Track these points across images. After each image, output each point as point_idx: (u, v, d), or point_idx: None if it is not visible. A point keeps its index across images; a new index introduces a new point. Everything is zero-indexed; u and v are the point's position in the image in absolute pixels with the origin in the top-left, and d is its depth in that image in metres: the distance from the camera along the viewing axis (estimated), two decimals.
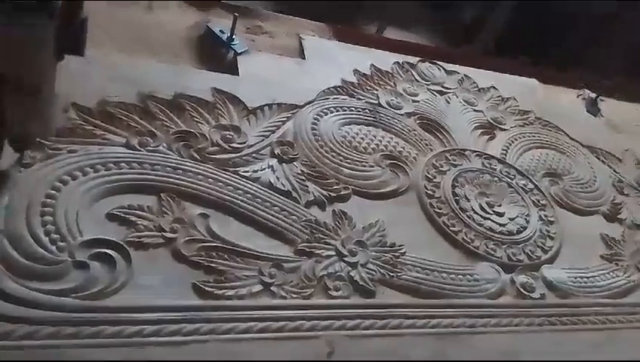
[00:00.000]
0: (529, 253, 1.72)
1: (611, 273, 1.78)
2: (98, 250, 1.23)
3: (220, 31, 1.98)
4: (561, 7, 2.99)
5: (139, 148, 1.47)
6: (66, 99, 1.45)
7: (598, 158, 2.29)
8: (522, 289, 1.59)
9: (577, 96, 2.67)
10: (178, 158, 1.49)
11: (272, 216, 1.47)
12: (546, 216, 1.88)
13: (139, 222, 1.31)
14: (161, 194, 1.38)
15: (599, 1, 2.97)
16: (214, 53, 1.96)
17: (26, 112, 1.13)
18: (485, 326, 1.46)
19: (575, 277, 1.70)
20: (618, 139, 2.48)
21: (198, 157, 1.52)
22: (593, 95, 2.65)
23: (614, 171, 2.26)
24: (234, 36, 1.96)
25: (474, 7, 3.48)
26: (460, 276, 1.56)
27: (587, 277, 1.73)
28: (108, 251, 1.23)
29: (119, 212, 1.31)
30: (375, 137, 1.87)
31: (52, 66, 1.11)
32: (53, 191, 1.29)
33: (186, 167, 1.47)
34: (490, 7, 3.34)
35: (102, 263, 1.21)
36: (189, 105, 1.64)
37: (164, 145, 1.51)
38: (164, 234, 1.31)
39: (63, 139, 1.39)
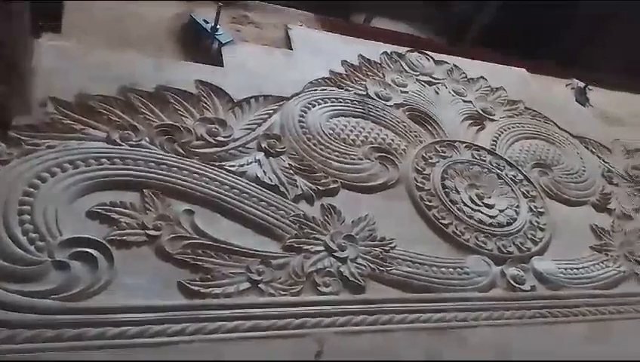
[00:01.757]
0: (519, 244, 1.71)
1: (601, 264, 1.78)
2: (79, 249, 1.19)
3: (204, 20, 1.93)
4: (554, 7, 2.96)
5: (120, 142, 1.43)
6: (44, 93, 1.40)
7: (588, 148, 2.29)
8: (513, 282, 1.58)
9: (566, 86, 2.66)
10: (162, 153, 1.45)
11: (260, 211, 1.43)
12: (535, 207, 1.87)
13: (121, 220, 1.27)
14: (144, 191, 1.34)
15: (595, 1, 2.95)
16: (198, 44, 1.91)
17: (4, 85, 1.09)
18: (477, 320, 1.45)
19: (565, 269, 1.70)
20: (608, 129, 2.49)
21: (182, 151, 1.48)
22: (582, 84, 2.65)
23: (603, 161, 2.26)
24: (218, 26, 1.91)
25: (466, 5, 3.44)
26: (451, 269, 1.54)
27: (577, 269, 1.72)
28: (89, 250, 1.19)
29: (100, 209, 1.27)
30: (364, 129, 1.84)
31: (29, 42, 1.08)
32: (31, 189, 1.24)
33: (170, 162, 1.43)
34: (478, 6, 3.31)
35: (83, 263, 1.18)
36: (173, 97, 1.60)
37: (147, 139, 1.47)
38: (147, 231, 1.28)
39: (41, 134, 1.35)
